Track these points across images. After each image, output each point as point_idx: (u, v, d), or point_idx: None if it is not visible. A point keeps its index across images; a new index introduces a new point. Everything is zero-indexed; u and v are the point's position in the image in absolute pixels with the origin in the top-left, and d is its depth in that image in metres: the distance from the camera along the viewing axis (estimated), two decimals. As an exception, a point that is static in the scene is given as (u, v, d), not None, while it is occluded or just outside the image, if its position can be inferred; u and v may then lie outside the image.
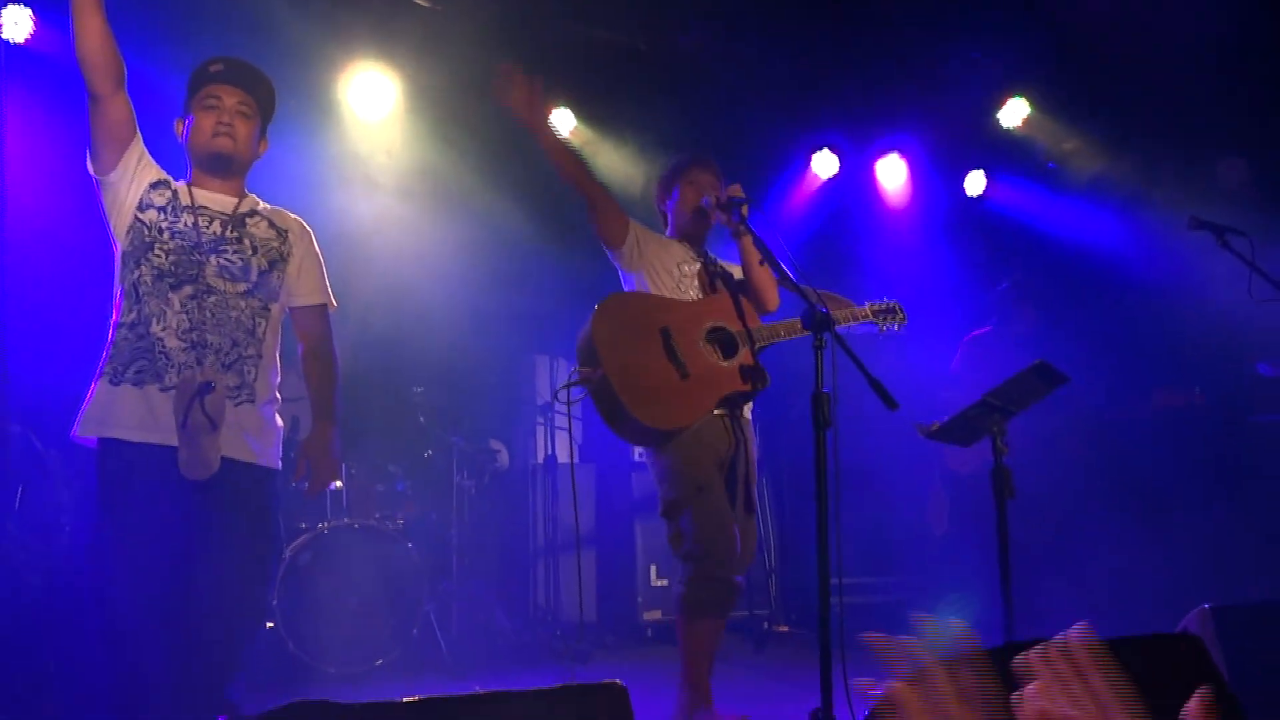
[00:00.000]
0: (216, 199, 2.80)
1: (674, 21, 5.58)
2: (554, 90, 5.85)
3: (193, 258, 2.70)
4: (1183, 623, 2.23)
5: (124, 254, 2.71)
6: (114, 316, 2.70)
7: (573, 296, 4.90)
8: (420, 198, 5.76)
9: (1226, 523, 4.97)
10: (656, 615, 5.72)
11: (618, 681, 1.48)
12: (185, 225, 2.72)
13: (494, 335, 6.11)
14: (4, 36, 4.52)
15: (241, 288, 2.76)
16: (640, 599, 5.74)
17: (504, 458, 6.19)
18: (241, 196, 2.86)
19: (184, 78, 2.86)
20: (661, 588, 5.71)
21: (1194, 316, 5.34)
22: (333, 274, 3.04)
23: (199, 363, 2.63)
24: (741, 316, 3.33)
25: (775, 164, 6.60)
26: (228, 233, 2.78)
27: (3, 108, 4.43)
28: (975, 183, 6.82)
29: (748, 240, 3.41)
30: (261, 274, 2.80)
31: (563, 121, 5.99)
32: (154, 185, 2.74)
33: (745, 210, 3.35)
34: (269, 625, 4.39)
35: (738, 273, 3.57)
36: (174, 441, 2.56)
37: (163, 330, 2.64)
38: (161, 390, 2.60)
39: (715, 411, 3.33)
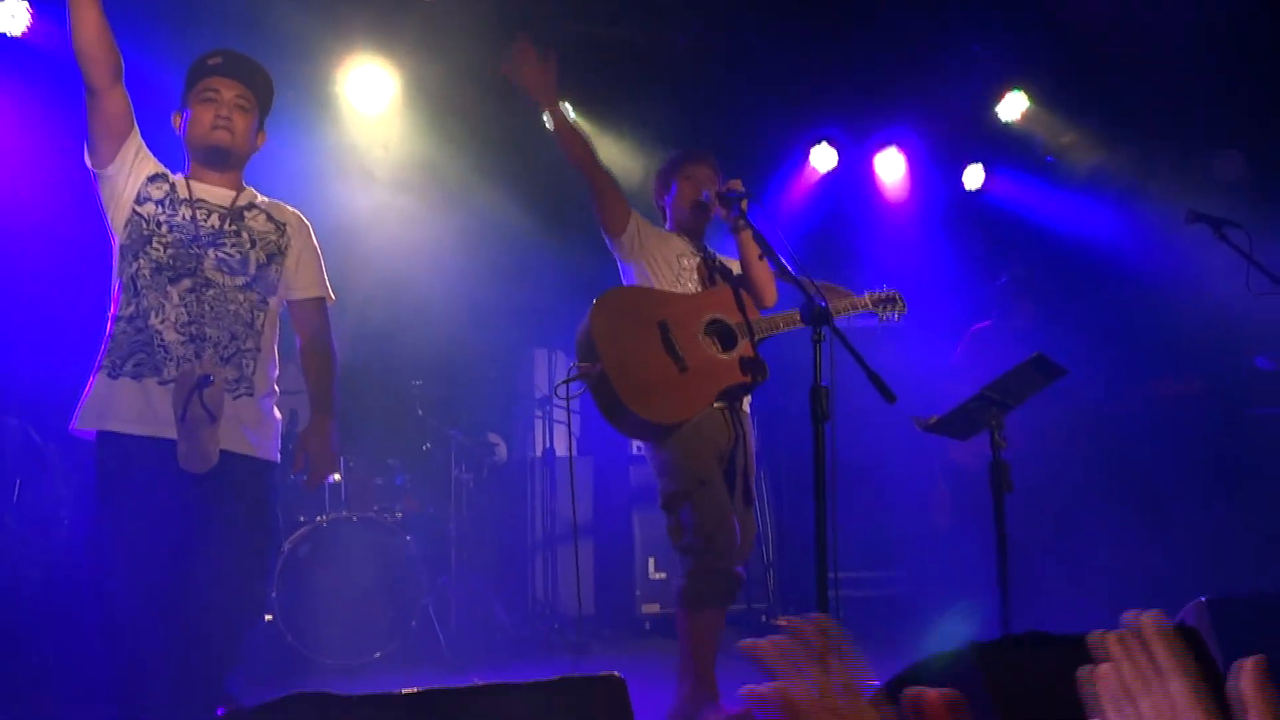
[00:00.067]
0: (214, 192, 2.80)
1: (672, 16, 5.58)
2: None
3: (191, 251, 2.70)
4: (1179, 615, 2.24)
5: (122, 247, 2.71)
6: (112, 310, 2.70)
7: (571, 290, 4.90)
8: (419, 191, 5.76)
9: (1224, 516, 4.97)
10: (654, 608, 5.73)
11: (616, 674, 1.48)
12: (183, 218, 2.72)
13: (492, 328, 6.12)
14: (0, 29, 4.51)
15: (240, 281, 2.76)
16: (638, 592, 5.75)
17: (502, 451, 6.19)
18: (239, 190, 2.86)
19: (181, 70, 2.85)
20: (659, 581, 5.72)
21: (1191, 310, 5.34)
22: (331, 267, 3.04)
23: (197, 356, 2.63)
24: (742, 308, 3.33)
25: (773, 158, 6.60)
26: (226, 226, 2.78)
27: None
28: (973, 176, 6.81)
29: (746, 235, 3.41)
30: (260, 267, 2.80)
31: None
32: (152, 178, 2.74)
33: (745, 205, 3.34)
34: (267, 618, 4.40)
35: (736, 268, 3.57)
36: (173, 434, 2.56)
37: (161, 323, 2.64)
38: (160, 383, 2.60)
39: (715, 404, 3.33)
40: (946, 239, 6.59)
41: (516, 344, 6.55)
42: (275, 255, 2.85)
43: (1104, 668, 0.82)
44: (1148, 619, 0.82)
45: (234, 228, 2.79)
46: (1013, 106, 6.44)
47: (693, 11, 5.58)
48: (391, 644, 4.67)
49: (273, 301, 2.83)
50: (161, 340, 2.63)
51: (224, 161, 2.80)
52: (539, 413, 6.23)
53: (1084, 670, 0.83)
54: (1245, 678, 0.76)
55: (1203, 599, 2.20)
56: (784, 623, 0.86)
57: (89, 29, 2.52)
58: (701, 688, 3.20)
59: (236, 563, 2.63)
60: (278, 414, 2.85)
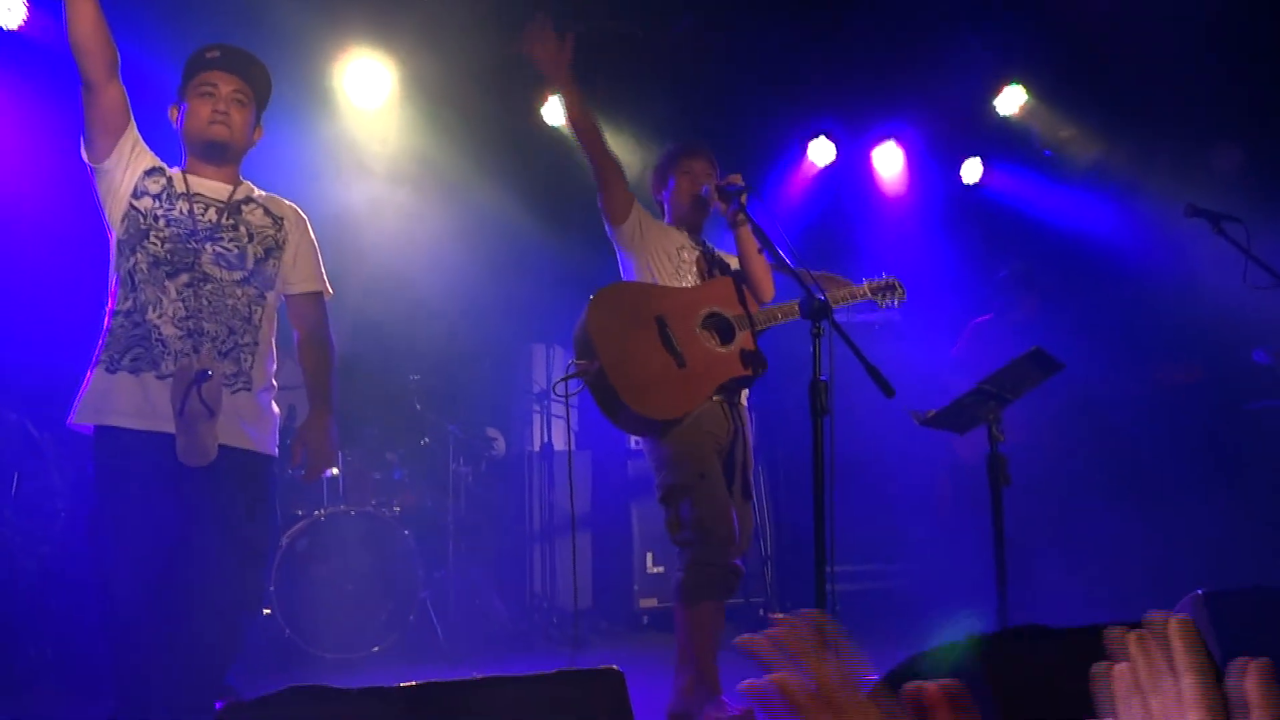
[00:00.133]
0: (212, 186, 2.80)
1: (669, 9, 5.57)
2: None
3: (188, 245, 2.70)
4: (1176, 608, 2.24)
5: (119, 242, 2.70)
6: (109, 304, 2.69)
7: (569, 284, 4.90)
8: (416, 185, 5.75)
9: (1222, 509, 4.98)
10: (652, 602, 5.73)
11: (614, 667, 1.48)
12: (181, 213, 2.71)
13: (490, 323, 6.11)
14: (-3, 23, 4.50)
15: (237, 275, 2.75)
16: (636, 586, 5.75)
17: (500, 445, 6.19)
18: (236, 184, 2.85)
19: (178, 63, 2.84)
20: (658, 574, 5.72)
21: (1190, 304, 5.35)
22: (328, 261, 3.04)
23: (195, 350, 2.63)
24: (743, 300, 3.32)
25: (771, 152, 6.59)
26: (223, 220, 2.77)
27: (-4, 94, 4.41)
28: (972, 170, 6.81)
29: (745, 229, 3.40)
30: (257, 262, 2.80)
31: (558, 110, 5.98)
32: (148, 172, 2.73)
33: (744, 199, 3.34)
34: (266, 612, 4.41)
35: (733, 263, 3.57)
36: (171, 429, 2.56)
37: (159, 318, 2.63)
38: (158, 378, 2.60)
39: (714, 398, 3.33)
40: (944, 233, 6.59)
41: (514, 338, 6.55)
42: (273, 250, 2.85)
43: (1120, 666, 0.82)
44: (1174, 622, 0.82)
45: (231, 222, 2.78)
46: (1011, 100, 6.44)
47: (690, 6, 5.57)
48: (389, 637, 4.67)
49: (270, 296, 2.83)
50: (159, 335, 2.62)
51: (221, 156, 2.80)
52: (537, 407, 6.23)
53: (1100, 666, 0.83)
54: (1250, 680, 0.76)
55: (1200, 592, 2.20)
56: (778, 619, 0.86)
57: (85, 23, 2.51)
58: (703, 682, 3.20)
59: (235, 557, 2.63)
60: (276, 408, 2.85)
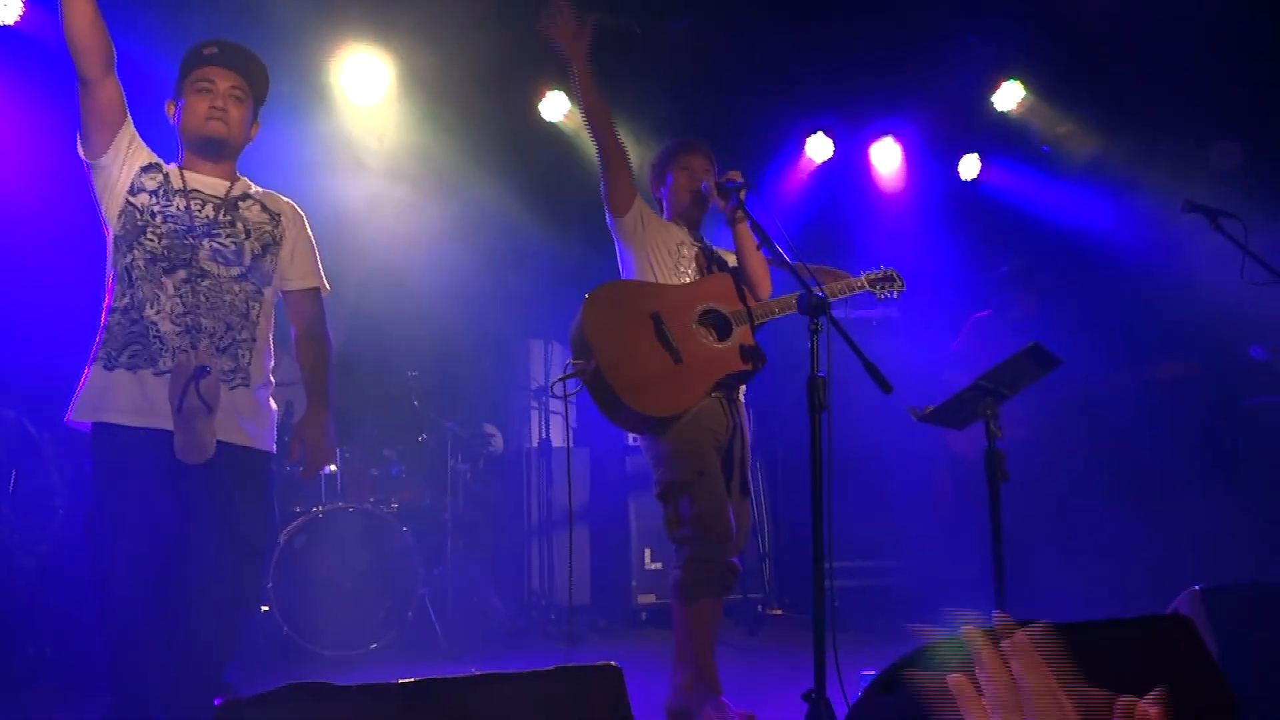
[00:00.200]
0: (209, 182, 2.79)
1: (668, 6, 5.56)
2: (548, 75, 5.83)
3: (186, 242, 2.69)
4: (1173, 604, 2.24)
5: (116, 238, 2.70)
6: (106, 301, 2.69)
7: (568, 280, 4.89)
8: (414, 181, 5.74)
9: (1220, 505, 4.99)
10: (651, 599, 5.74)
11: (613, 663, 1.48)
12: (178, 209, 2.71)
13: (488, 319, 6.11)
14: (-6, 18, 4.49)
15: (235, 272, 2.75)
16: (635, 582, 5.76)
17: (498, 442, 6.19)
18: (233, 180, 2.85)
19: (174, 59, 2.83)
20: (656, 571, 5.73)
21: (1187, 300, 5.35)
22: (326, 258, 3.03)
23: (193, 347, 2.62)
24: (743, 296, 3.32)
25: (769, 148, 6.59)
26: (220, 216, 2.77)
27: (-7, 90, 4.41)
28: (970, 166, 6.81)
29: (744, 226, 3.40)
30: (255, 258, 2.79)
31: (556, 106, 5.97)
32: (145, 168, 2.73)
33: (743, 195, 3.33)
34: (264, 609, 4.41)
35: (732, 260, 3.56)
36: (169, 426, 2.56)
37: (156, 314, 2.63)
38: (156, 375, 2.60)
39: (712, 395, 3.33)
40: (942, 229, 6.59)
41: (512, 334, 6.55)
42: (270, 246, 2.84)
43: (957, 677, 0.77)
44: (1024, 634, 0.77)
45: (228, 218, 2.78)
46: (1009, 96, 6.44)
47: (689, 4, 5.56)
48: (388, 634, 4.67)
49: (268, 292, 2.83)
50: (157, 331, 2.62)
51: (218, 152, 2.79)
52: (535, 403, 6.23)
53: (936, 676, 0.78)
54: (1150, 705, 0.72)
55: (1197, 588, 2.21)
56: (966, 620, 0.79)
57: (80, 18, 2.50)
58: (701, 679, 3.20)
59: (233, 553, 2.62)
60: (274, 405, 2.85)
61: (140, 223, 2.67)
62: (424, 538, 5.08)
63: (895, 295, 3.66)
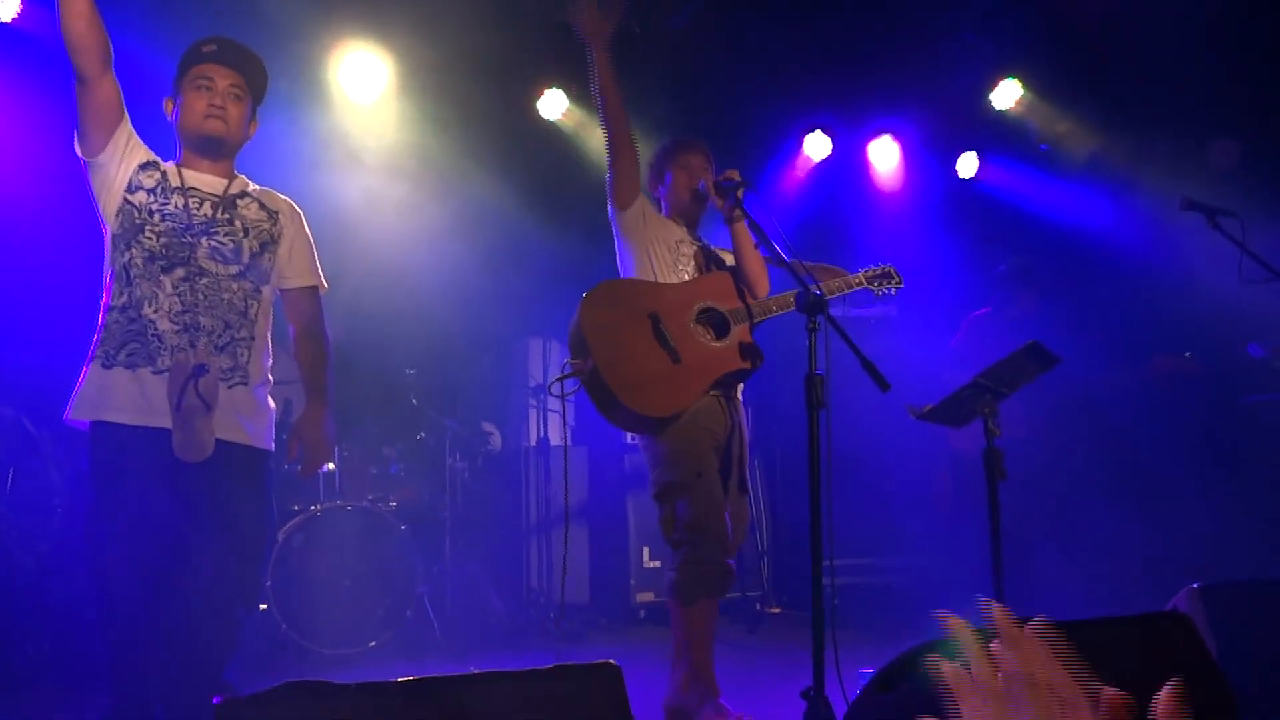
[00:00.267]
0: (207, 180, 2.79)
1: (667, 3, 5.55)
2: (546, 73, 5.83)
3: (184, 240, 2.69)
4: (1172, 602, 2.24)
5: (114, 236, 2.69)
6: (104, 299, 2.68)
7: (566, 279, 4.89)
8: (412, 179, 5.74)
9: (1219, 502, 4.99)
10: (649, 597, 5.74)
11: (612, 662, 1.48)
12: (176, 207, 2.70)
13: (487, 317, 6.11)
14: (-9, 16, 4.48)
15: (233, 270, 2.75)
16: (633, 581, 5.76)
17: (497, 440, 6.19)
18: (231, 178, 2.85)
19: (172, 57, 2.83)
20: (654, 569, 5.73)
21: (1186, 298, 5.36)
22: (324, 256, 3.03)
23: (192, 345, 2.62)
24: (741, 294, 3.32)
25: (767, 146, 6.59)
26: (218, 214, 2.76)
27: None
28: (968, 165, 6.81)
29: (741, 225, 3.40)
30: (253, 256, 2.79)
31: (555, 103, 5.97)
32: (143, 166, 2.72)
33: (741, 194, 3.33)
34: (263, 607, 4.40)
35: (729, 259, 3.56)
36: (168, 424, 2.56)
37: (155, 313, 2.63)
38: (154, 373, 2.59)
39: (710, 394, 3.33)
40: (940, 228, 6.59)
41: (511, 333, 6.55)
42: (268, 244, 2.84)
43: (951, 666, 0.77)
44: (1028, 628, 0.77)
45: (226, 216, 2.78)
46: (1007, 94, 6.44)
47: (689, 2, 5.56)
48: (386, 633, 4.67)
49: (266, 290, 2.83)
50: (155, 330, 2.62)
51: (217, 150, 2.79)
52: (533, 401, 6.23)
53: (933, 662, 0.78)
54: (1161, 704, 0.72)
55: (1196, 586, 2.21)
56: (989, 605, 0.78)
57: (78, 16, 2.49)
58: (699, 678, 3.20)
59: (232, 551, 2.62)
60: (272, 403, 2.85)
61: (138, 221, 2.67)
62: (423, 536, 5.08)
63: (893, 292, 3.65)
